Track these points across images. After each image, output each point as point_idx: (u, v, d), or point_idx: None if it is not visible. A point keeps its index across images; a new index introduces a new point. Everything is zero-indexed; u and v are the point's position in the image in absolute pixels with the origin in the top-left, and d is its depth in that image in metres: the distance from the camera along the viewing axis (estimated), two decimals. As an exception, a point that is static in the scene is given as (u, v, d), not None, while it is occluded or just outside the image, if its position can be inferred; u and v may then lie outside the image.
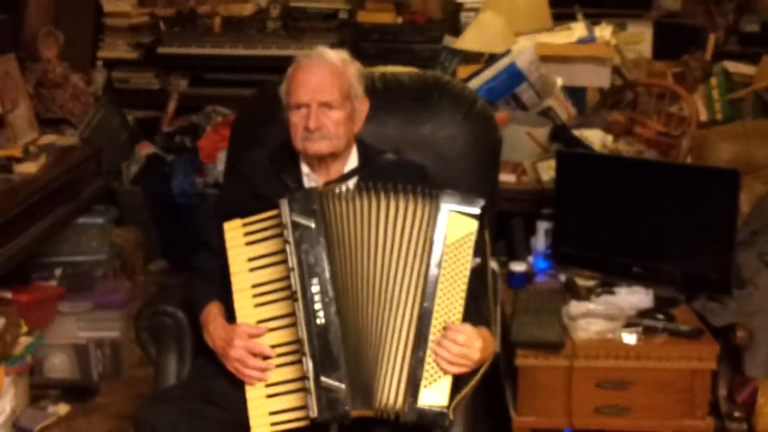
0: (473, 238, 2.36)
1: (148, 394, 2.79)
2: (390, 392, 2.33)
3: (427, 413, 2.31)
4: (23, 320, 3.44)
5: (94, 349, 4.00)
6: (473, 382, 2.39)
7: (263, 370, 2.40)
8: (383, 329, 2.35)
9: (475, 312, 2.41)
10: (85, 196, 3.95)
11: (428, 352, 2.32)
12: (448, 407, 2.32)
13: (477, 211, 2.37)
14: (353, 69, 2.62)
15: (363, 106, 2.67)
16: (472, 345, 2.33)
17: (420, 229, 2.37)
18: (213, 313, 2.54)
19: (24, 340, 3.45)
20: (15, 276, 3.64)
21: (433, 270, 2.34)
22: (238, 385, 2.42)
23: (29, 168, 3.53)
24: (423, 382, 2.31)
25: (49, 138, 3.96)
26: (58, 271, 3.99)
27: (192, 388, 2.51)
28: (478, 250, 2.41)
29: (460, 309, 2.34)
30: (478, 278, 2.44)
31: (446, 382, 2.33)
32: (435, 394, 2.31)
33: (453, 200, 2.38)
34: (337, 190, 2.43)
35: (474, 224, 2.37)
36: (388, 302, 2.36)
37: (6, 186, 3.38)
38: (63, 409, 3.74)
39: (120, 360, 4.04)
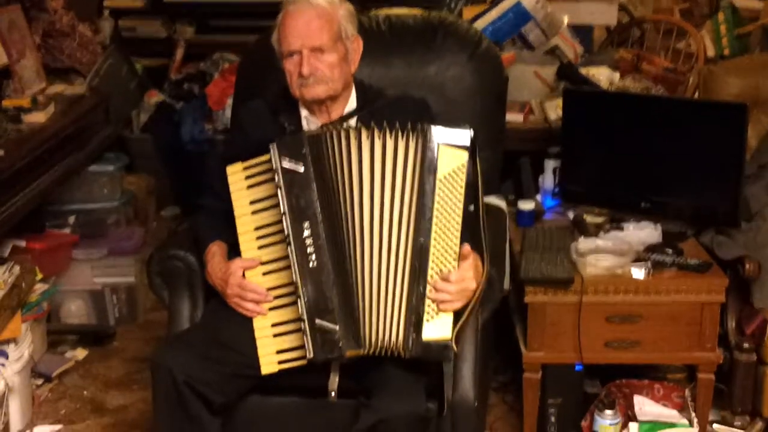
0: (465, 169, 2.36)
1: (163, 338, 2.83)
2: (392, 329, 2.35)
3: (431, 347, 2.34)
4: (38, 268, 3.48)
5: (109, 294, 4.06)
6: (470, 307, 2.40)
7: (260, 303, 2.45)
8: (380, 269, 2.37)
9: (468, 240, 2.42)
10: (95, 144, 3.96)
11: (428, 287, 2.34)
12: (451, 339, 2.35)
13: (467, 141, 2.37)
14: (342, 10, 2.60)
15: (357, 46, 2.65)
16: (465, 278, 2.35)
17: (412, 165, 2.37)
18: (212, 251, 2.59)
19: (40, 287, 3.49)
20: (29, 224, 3.66)
21: (428, 205, 2.34)
22: (247, 328, 2.47)
23: (38, 118, 3.54)
24: (425, 317, 2.34)
25: (57, 87, 3.97)
26: (71, 219, 4.03)
27: (205, 331, 2.55)
28: (470, 178, 2.40)
29: (456, 242, 2.35)
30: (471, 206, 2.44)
31: (449, 315, 2.36)
32: (438, 328, 2.34)
33: (442, 133, 2.37)
34: (326, 131, 2.43)
35: (465, 155, 2.36)
36: (384, 241, 2.37)
37: (16, 136, 3.39)
38: (81, 353, 3.82)
39: (135, 305, 4.10)
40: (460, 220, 2.35)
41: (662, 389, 3.05)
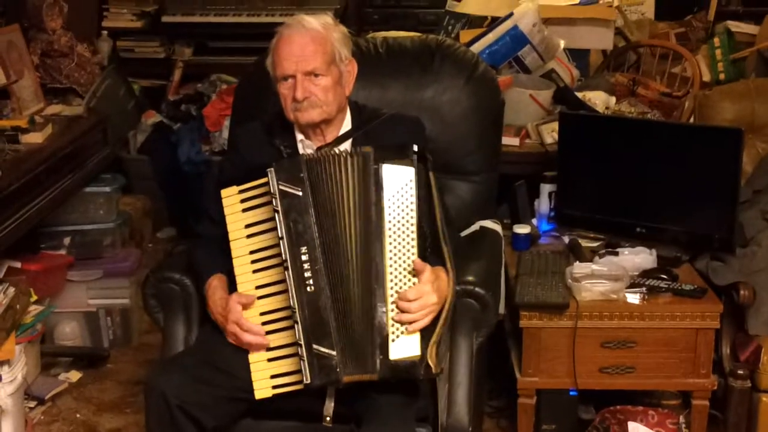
0: (413, 185, 2.38)
1: (157, 361, 2.82)
2: (369, 353, 2.36)
3: (399, 366, 2.34)
4: (33, 289, 3.46)
5: (104, 316, 4.05)
6: (441, 322, 2.40)
7: (258, 342, 2.44)
8: (359, 292, 2.38)
9: (428, 253, 2.44)
10: (92, 165, 3.96)
11: (389, 306, 2.35)
12: (422, 356, 2.34)
13: (411, 157, 2.39)
14: (336, 33, 2.60)
15: (351, 69, 2.66)
16: (424, 292, 2.36)
17: (364, 188, 2.39)
18: (213, 286, 2.58)
19: (34, 309, 3.48)
20: (24, 245, 3.66)
21: (378, 226, 2.37)
22: (241, 352, 2.46)
23: (35, 138, 3.55)
24: (390, 336, 2.34)
25: (55, 108, 3.97)
26: (66, 240, 4.01)
27: (199, 354, 2.55)
28: (423, 192, 2.43)
29: (413, 258, 2.36)
30: (428, 219, 2.48)
31: (415, 332, 2.36)
32: (406, 346, 2.34)
33: (385, 153, 2.39)
34: (323, 155, 2.45)
35: (410, 171, 2.38)
36: (357, 265, 2.39)
37: (13, 156, 3.39)
38: (74, 375, 3.80)
39: (130, 327, 4.09)
40: (414, 236, 2.37)
41: (657, 416, 3.04)
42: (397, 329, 2.35)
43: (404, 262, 2.37)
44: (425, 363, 2.34)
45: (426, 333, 2.37)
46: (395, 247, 2.36)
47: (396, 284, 2.36)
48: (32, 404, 3.54)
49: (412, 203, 2.37)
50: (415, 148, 2.41)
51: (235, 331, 2.46)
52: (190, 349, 2.69)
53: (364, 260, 2.38)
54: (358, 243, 2.39)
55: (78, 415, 3.56)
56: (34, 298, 3.47)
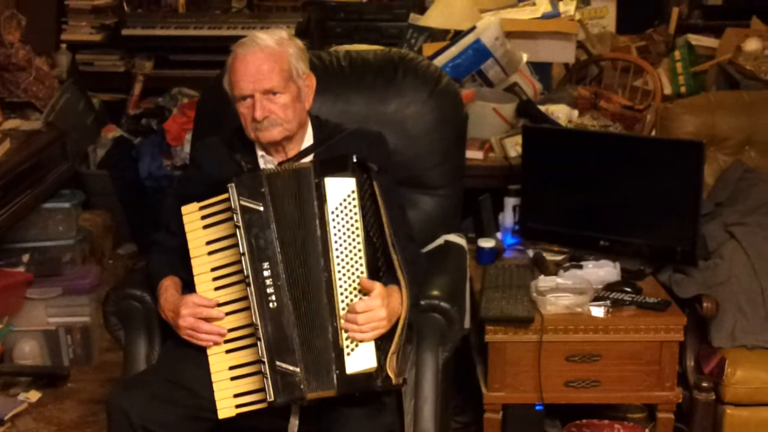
0: (355, 195, 2.36)
1: (119, 379, 2.78)
2: (329, 369, 2.34)
3: (357, 379, 2.33)
4: (-9, 307, 3.43)
5: (64, 334, 3.99)
6: (398, 332, 2.39)
7: (216, 332, 2.42)
8: (318, 307, 2.37)
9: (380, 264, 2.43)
10: (51, 180, 3.93)
11: (340, 321, 2.34)
12: (378, 368, 2.33)
13: (350, 169, 2.37)
14: (292, 48, 2.58)
15: (309, 83, 2.64)
16: (373, 306, 2.34)
17: (307, 202, 2.38)
18: (164, 285, 2.56)
19: (-8, 327, 3.44)
20: (-18, 263, 3.62)
21: (323, 239, 2.35)
22: (204, 369, 2.43)
23: (-7, 153, 3.51)
24: (345, 350, 2.33)
25: (13, 122, 3.93)
26: (25, 257, 3.96)
27: (162, 372, 2.51)
28: (368, 203, 2.41)
29: (363, 270, 2.35)
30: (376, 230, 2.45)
31: (369, 345, 2.34)
32: (361, 359, 2.33)
33: (325, 166, 2.39)
34: (278, 170, 2.43)
35: (352, 182, 2.37)
36: (313, 280, 2.37)
37: (-31, 172, 3.36)
38: (34, 395, 3.74)
39: (91, 345, 4.04)
40: (362, 248, 2.35)
41: (622, 429, 3.04)
42: (351, 342, 2.34)
43: (353, 275, 2.35)
44: (384, 374, 2.33)
45: (383, 344, 2.36)
46: (343, 260, 2.35)
47: (347, 297, 2.35)
48: (-9, 425, 3.50)
49: (356, 215, 2.36)
50: (355, 158, 2.39)
51: (191, 324, 2.43)
52: (152, 367, 2.66)
53: (312, 274, 2.37)
54: (315, 257, 2.37)
55: (38, 436, 3.51)
56: (-8, 316, 3.43)
